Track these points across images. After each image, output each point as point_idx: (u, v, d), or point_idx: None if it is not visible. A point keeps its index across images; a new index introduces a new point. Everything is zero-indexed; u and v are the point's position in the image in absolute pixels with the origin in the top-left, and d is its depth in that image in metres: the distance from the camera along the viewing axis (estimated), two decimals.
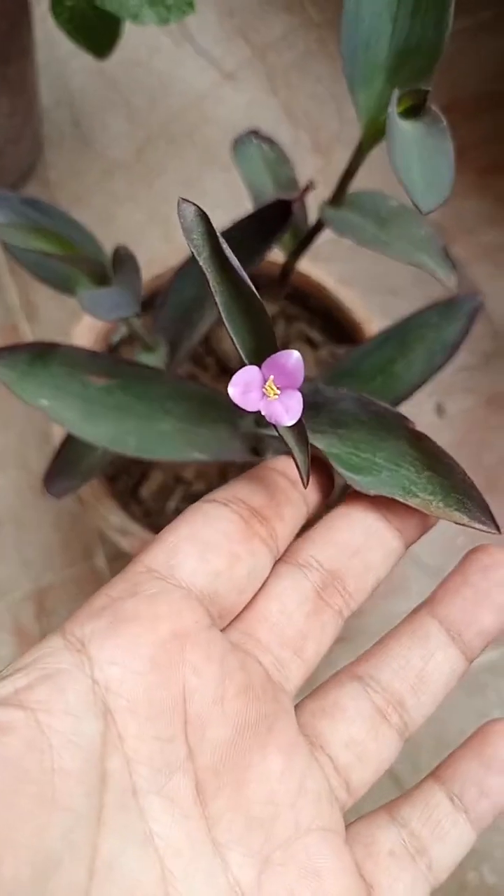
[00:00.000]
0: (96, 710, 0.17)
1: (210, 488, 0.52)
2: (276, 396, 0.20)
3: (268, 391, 0.20)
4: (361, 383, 0.39)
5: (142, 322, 0.38)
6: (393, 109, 0.25)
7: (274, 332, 0.21)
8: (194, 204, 0.19)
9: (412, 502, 0.22)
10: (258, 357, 0.21)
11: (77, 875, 0.16)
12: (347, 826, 0.19)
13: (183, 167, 0.75)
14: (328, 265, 0.72)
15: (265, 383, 0.20)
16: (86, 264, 0.33)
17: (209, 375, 0.55)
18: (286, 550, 0.21)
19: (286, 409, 0.20)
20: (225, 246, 0.19)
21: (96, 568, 0.65)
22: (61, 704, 0.16)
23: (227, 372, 0.55)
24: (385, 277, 0.72)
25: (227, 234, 0.39)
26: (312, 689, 0.20)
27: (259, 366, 0.21)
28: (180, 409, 0.30)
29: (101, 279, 0.35)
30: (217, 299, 0.20)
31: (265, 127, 0.79)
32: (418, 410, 0.72)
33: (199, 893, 0.17)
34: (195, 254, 0.20)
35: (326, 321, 0.55)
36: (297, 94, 0.78)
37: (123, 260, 0.31)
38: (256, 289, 0.46)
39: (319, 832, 0.18)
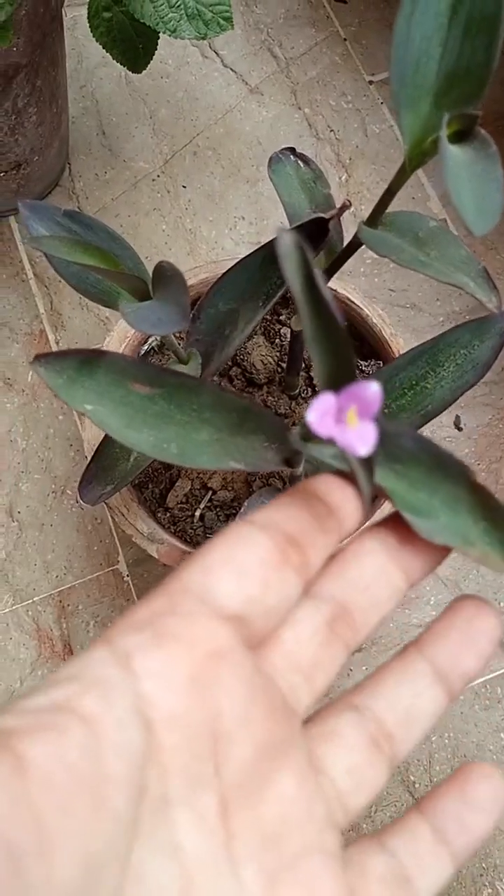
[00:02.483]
0: (139, 722, 0.17)
1: (236, 497, 0.53)
2: (355, 427, 0.21)
3: (349, 421, 0.21)
4: (392, 399, 0.39)
5: (174, 334, 0.39)
6: (443, 133, 0.26)
7: (354, 363, 0.22)
8: (292, 233, 0.19)
9: (471, 552, 0.23)
10: (335, 384, 0.22)
11: (113, 880, 0.16)
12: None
13: (208, 180, 0.76)
14: (352, 280, 0.73)
15: (342, 411, 0.21)
16: (127, 279, 0.34)
17: (236, 387, 0.55)
18: None
19: (361, 439, 0.20)
20: (318, 277, 0.20)
21: (118, 572, 0.66)
22: (111, 714, 0.17)
23: (253, 384, 0.55)
24: (406, 292, 0.73)
25: (264, 251, 0.40)
26: (309, 715, 0.21)
27: (336, 393, 0.21)
28: (219, 420, 0.31)
29: (142, 293, 0.35)
30: (304, 325, 0.21)
31: (288, 141, 0.79)
32: (437, 424, 0.72)
33: None
34: (289, 281, 0.20)
35: (353, 336, 0.55)
36: (322, 109, 0.79)
37: (168, 275, 0.32)
38: (287, 305, 0.47)
39: (321, 855, 0.19)
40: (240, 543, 0.20)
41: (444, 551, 0.23)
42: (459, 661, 0.21)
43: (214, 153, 0.77)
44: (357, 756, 0.20)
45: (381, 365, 0.54)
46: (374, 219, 0.35)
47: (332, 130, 0.78)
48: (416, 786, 0.61)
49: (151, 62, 0.56)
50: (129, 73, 0.76)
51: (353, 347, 0.21)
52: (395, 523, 0.23)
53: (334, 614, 0.21)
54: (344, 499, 0.22)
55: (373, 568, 0.22)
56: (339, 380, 0.21)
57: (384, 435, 0.23)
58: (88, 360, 0.28)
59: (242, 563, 0.20)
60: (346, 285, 0.54)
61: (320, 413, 0.20)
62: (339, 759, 0.20)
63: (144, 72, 0.56)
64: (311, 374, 0.55)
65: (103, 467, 0.41)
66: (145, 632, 0.19)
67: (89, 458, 0.41)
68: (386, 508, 0.47)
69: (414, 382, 0.39)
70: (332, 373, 0.22)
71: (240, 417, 0.31)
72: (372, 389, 0.20)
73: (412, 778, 0.62)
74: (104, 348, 0.51)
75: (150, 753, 0.17)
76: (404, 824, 0.20)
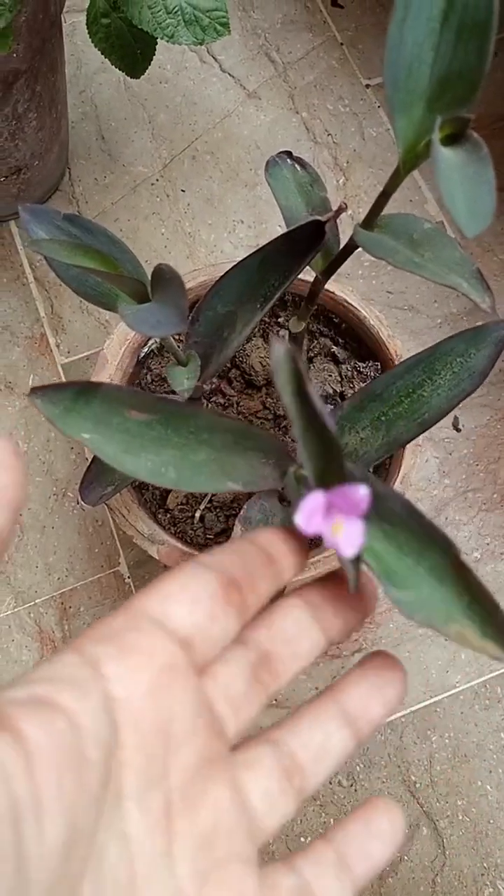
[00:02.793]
0: (108, 719, 0.19)
1: (235, 498, 0.53)
2: (341, 534, 0.22)
3: (335, 529, 0.22)
4: (388, 407, 0.40)
5: (173, 336, 0.39)
6: (436, 137, 0.26)
7: (343, 463, 0.22)
8: (285, 343, 0.21)
9: (449, 629, 0.23)
10: (324, 481, 0.22)
11: (83, 853, 0.18)
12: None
13: (206, 184, 0.77)
14: (350, 282, 0.74)
15: (331, 509, 0.22)
16: (126, 281, 0.34)
17: (234, 389, 0.56)
18: None
19: (348, 542, 0.22)
20: (308, 384, 0.21)
21: (119, 574, 0.66)
22: (86, 708, 0.19)
23: (252, 386, 0.56)
24: (404, 294, 0.73)
25: (262, 253, 0.40)
26: (234, 744, 0.23)
27: (324, 489, 0.22)
28: (216, 440, 0.31)
29: (141, 296, 0.36)
30: (295, 427, 0.22)
31: (286, 145, 0.80)
32: (436, 425, 0.73)
33: None
34: (281, 387, 0.22)
35: (350, 338, 0.56)
36: (319, 113, 0.80)
37: (167, 278, 0.32)
38: (285, 307, 0.48)
39: (244, 863, 0.21)
40: (193, 578, 0.23)
41: (362, 616, 0.25)
42: (367, 709, 0.24)
43: (213, 157, 0.78)
44: (272, 783, 0.22)
45: (379, 366, 0.54)
46: (370, 221, 0.35)
47: (329, 134, 0.79)
48: (417, 786, 0.62)
49: (150, 67, 0.57)
50: (128, 78, 0.77)
51: (341, 449, 0.22)
52: (323, 585, 0.25)
53: (259, 660, 0.23)
54: (284, 552, 0.24)
55: (296, 624, 0.24)
56: (327, 477, 0.22)
57: (375, 496, 0.24)
58: (85, 391, 0.29)
59: (195, 594, 0.22)
60: (344, 287, 0.54)
61: (309, 512, 0.21)
62: (257, 784, 0.22)
63: (143, 77, 0.56)
64: (310, 375, 0.55)
65: (104, 469, 0.41)
66: (112, 643, 0.21)
67: (90, 460, 0.42)
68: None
69: (411, 390, 0.39)
70: (322, 472, 0.23)
71: (236, 437, 0.32)
72: (361, 492, 0.21)
73: (413, 778, 0.62)
74: (104, 350, 0.52)
75: (114, 749, 0.19)
76: (312, 850, 0.23)
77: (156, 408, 0.29)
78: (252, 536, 0.25)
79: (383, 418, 0.39)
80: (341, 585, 0.25)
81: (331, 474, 0.23)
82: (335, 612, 0.24)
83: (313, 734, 0.23)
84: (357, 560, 0.23)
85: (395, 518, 0.25)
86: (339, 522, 0.22)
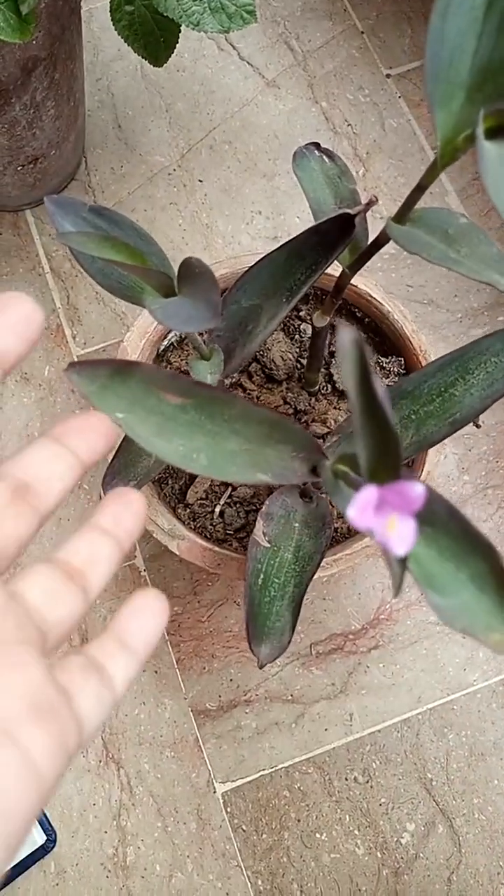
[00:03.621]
0: None
1: (256, 493, 0.52)
2: (395, 530, 0.21)
3: (389, 525, 0.21)
4: (420, 405, 0.39)
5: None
6: (480, 130, 0.25)
7: (401, 461, 0.22)
8: (352, 329, 0.20)
9: (489, 638, 0.23)
10: (379, 477, 0.22)
11: None
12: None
13: (224, 174, 0.76)
14: (369, 275, 0.73)
15: (383, 505, 0.21)
16: (154, 275, 0.34)
17: (255, 383, 0.55)
18: None
19: (401, 540, 0.21)
20: (373, 375, 0.20)
21: (135, 567, 0.66)
22: None
23: (272, 380, 0.55)
24: (423, 288, 0.72)
25: (289, 246, 0.39)
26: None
27: (379, 487, 0.22)
28: (248, 431, 0.31)
29: (167, 289, 0.35)
30: (355, 418, 0.22)
31: (305, 135, 0.79)
32: None
33: None
34: (345, 376, 0.21)
35: (373, 332, 0.55)
36: (339, 103, 0.79)
37: (196, 272, 0.32)
38: (307, 301, 0.46)
39: (25, 644, 0.23)
40: None
41: (106, 438, 0.27)
42: (121, 521, 0.27)
43: (231, 147, 0.77)
44: (52, 583, 0.25)
45: (402, 361, 0.54)
46: (403, 215, 0.35)
47: (349, 124, 0.78)
48: (433, 783, 0.61)
49: (174, 52, 0.56)
50: (145, 66, 0.76)
51: (400, 444, 0.22)
52: (65, 420, 0.27)
53: (18, 486, 0.25)
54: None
55: (45, 450, 0.26)
56: (383, 473, 0.22)
57: None
58: (121, 370, 0.28)
59: None
60: (368, 281, 0.53)
61: (362, 506, 0.21)
62: (35, 585, 0.25)
63: (167, 61, 0.55)
64: (332, 370, 0.55)
65: (126, 463, 0.41)
66: None
67: (112, 454, 0.41)
68: None
69: (443, 389, 0.39)
70: (377, 467, 0.22)
71: (269, 428, 0.31)
72: (417, 490, 0.21)
73: (429, 776, 0.61)
74: (124, 343, 0.51)
75: None
76: (95, 640, 0.26)
77: (192, 392, 0.29)
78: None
79: (413, 417, 0.38)
80: (83, 417, 0.27)
81: (385, 470, 0.22)
82: (79, 435, 0.27)
83: (80, 545, 0.26)
84: (404, 560, 0.22)
85: (437, 521, 0.24)
86: (393, 519, 0.21)
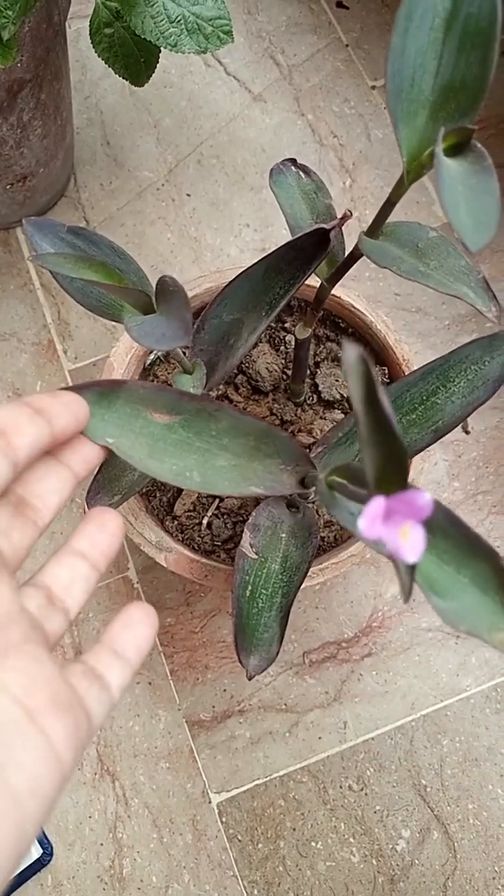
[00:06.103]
0: None
1: (243, 504, 0.53)
2: (407, 540, 0.22)
3: (402, 534, 0.22)
4: (403, 413, 0.39)
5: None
6: (439, 148, 0.26)
7: (407, 471, 0.22)
8: (356, 347, 0.21)
9: (494, 638, 0.23)
10: (385, 487, 0.22)
11: None
12: None
13: (212, 188, 0.77)
14: (357, 285, 0.73)
15: (391, 514, 0.22)
16: (131, 293, 0.34)
17: (241, 395, 0.56)
18: None
19: (413, 547, 0.21)
20: (380, 389, 0.21)
21: (128, 580, 0.66)
22: None
23: (258, 392, 0.56)
24: (411, 296, 0.73)
25: (267, 261, 0.40)
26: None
27: (387, 497, 0.22)
28: (236, 445, 0.31)
29: (146, 307, 0.36)
30: (361, 430, 0.22)
31: (292, 147, 0.80)
32: None
33: None
34: (352, 390, 0.22)
35: (357, 342, 0.55)
36: (324, 115, 0.79)
37: (170, 290, 0.32)
38: (292, 312, 0.47)
39: (35, 643, 0.25)
40: None
41: (100, 450, 0.29)
42: (97, 543, 0.28)
43: (219, 161, 0.78)
44: (39, 601, 0.27)
45: (386, 371, 0.54)
46: (375, 229, 0.35)
47: (335, 136, 0.79)
48: (428, 790, 0.61)
49: (155, 72, 0.56)
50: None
51: (406, 456, 0.22)
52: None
53: (18, 502, 0.27)
54: (53, 403, 0.27)
55: (41, 467, 0.28)
56: (391, 484, 0.22)
57: None
58: (106, 393, 0.29)
59: None
60: (350, 292, 0.54)
61: (371, 518, 0.21)
62: (28, 604, 0.26)
63: (148, 82, 0.56)
64: (316, 381, 0.55)
65: (110, 477, 0.41)
66: None
67: (96, 469, 0.42)
68: None
69: (425, 398, 0.39)
70: (384, 477, 0.23)
71: (257, 441, 0.32)
72: (424, 498, 0.21)
73: (423, 782, 0.62)
74: (110, 357, 0.52)
75: None
76: (91, 651, 0.27)
77: (178, 408, 0.30)
78: (26, 400, 0.27)
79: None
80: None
81: (392, 480, 0.22)
82: (70, 450, 0.28)
83: (58, 570, 0.28)
84: (413, 567, 0.23)
85: (435, 527, 0.24)
86: (406, 528, 0.21)
